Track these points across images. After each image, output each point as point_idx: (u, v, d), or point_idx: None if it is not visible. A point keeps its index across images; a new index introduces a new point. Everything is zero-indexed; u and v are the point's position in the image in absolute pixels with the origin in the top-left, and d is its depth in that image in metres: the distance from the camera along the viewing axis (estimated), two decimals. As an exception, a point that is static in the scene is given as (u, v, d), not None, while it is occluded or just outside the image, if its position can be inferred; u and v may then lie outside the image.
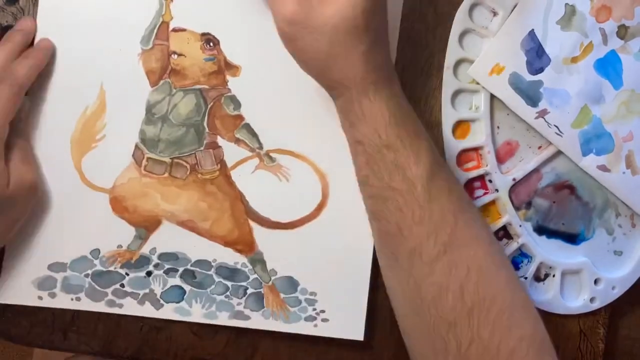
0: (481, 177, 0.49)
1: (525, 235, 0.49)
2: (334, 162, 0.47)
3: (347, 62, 0.39)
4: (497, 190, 0.48)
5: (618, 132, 0.48)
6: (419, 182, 0.39)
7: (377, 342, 0.48)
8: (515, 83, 0.47)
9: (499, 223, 0.49)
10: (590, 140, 0.48)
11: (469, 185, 0.49)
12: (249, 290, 0.47)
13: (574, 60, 0.48)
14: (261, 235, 0.47)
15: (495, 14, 0.48)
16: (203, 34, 0.46)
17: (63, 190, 0.46)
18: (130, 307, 0.47)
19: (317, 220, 0.47)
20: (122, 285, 0.46)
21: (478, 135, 0.48)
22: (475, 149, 0.48)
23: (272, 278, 0.47)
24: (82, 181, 0.46)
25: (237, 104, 0.47)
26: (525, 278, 0.49)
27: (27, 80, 0.43)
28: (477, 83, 0.48)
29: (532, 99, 0.48)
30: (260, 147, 0.47)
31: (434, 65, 0.48)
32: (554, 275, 0.50)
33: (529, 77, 0.47)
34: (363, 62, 0.39)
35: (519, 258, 0.49)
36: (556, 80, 0.48)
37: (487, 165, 0.48)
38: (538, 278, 0.50)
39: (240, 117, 0.47)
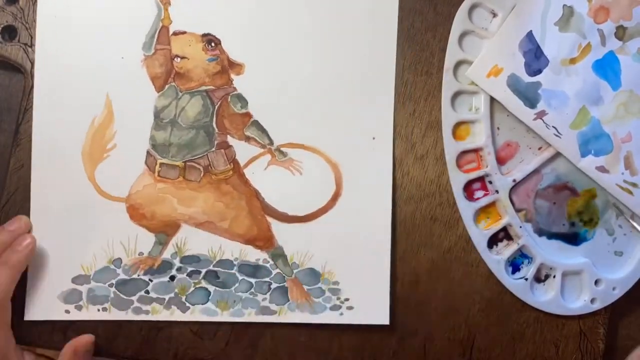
0: (481, 179, 0.49)
1: (525, 236, 0.49)
2: (344, 151, 0.47)
3: None
4: (497, 191, 0.49)
5: (617, 133, 0.48)
6: None
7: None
8: (514, 85, 0.47)
9: (500, 224, 0.49)
10: (588, 141, 0.48)
11: (469, 187, 0.49)
12: (273, 285, 0.47)
13: (573, 61, 0.48)
14: (280, 230, 0.47)
15: (494, 15, 0.48)
16: (204, 35, 0.46)
17: (79, 203, 0.46)
18: (157, 313, 0.47)
19: (333, 210, 0.47)
20: (147, 292, 0.47)
21: (478, 137, 0.49)
22: (475, 150, 0.49)
23: (295, 271, 0.47)
24: (97, 192, 0.46)
25: (244, 102, 0.47)
26: (526, 279, 0.49)
27: (8, 293, 0.42)
28: (476, 84, 0.48)
29: (530, 100, 0.48)
30: (271, 143, 0.47)
31: (434, 65, 0.48)
32: (554, 276, 0.50)
33: (527, 79, 0.47)
34: None
35: (520, 259, 0.50)
36: (554, 81, 0.47)
37: (487, 167, 0.48)
38: (538, 279, 0.50)
39: (248, 115, 0.47)
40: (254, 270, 0.47)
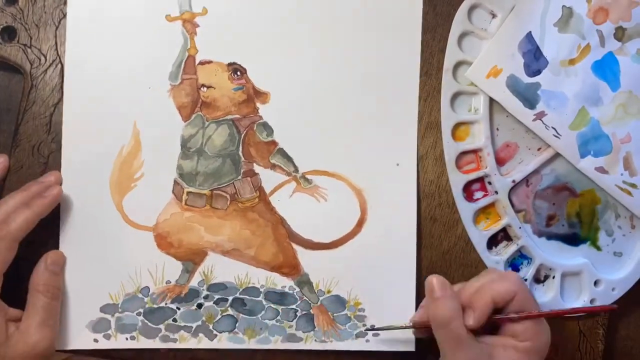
0: (480, 179, 0.49)
1: (525, 237, 0.49)
2: (368, 177, 0.48)
3: None
4: (496, 192, 0.49)
5: (616, 134, 0.48)
6: None
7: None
8: (513, 85, 0.48)
9: (499, 225, 0.49)
10: (588, 142, 0.48)
11: (469, 188, 0.49)
12: (299, 313, 0.48)
13: (572, 62, 0.48)
14: (305, 257, 0.48)
15: (494, 16, 0.48)
16: (230, 64, 0.47)
17: (107, 233, 0.46)
18: (185, 341, 0.47)
19: (358, 237, 0.48)
20: (175, 320, 0.47)
21: (477, 137, 0.49)
22: (475, 151, 0.49)
23: (320, 298, 0.48)
24: (125, 221, 0.46)
25: (270, 130, 0.47)
26: (525, 280, 0.49)
27: (21, 232, 0.43)
28: (476, 85, 0.48)
29: (529, 101, 0.48)
30: (296, 171, 0.47)
31: (433, 66, 0.48)
32: (553, 277, 0.50)
33: (527, 80, 0.48)
34: None
35: (519, 260, 0.50)
36: (554, 82, 0.48)
37: (486, 167, 0.48)
38: (538, 280, 0.50)
39: (274, 143, 0.47)
40: (280, 297, 0.48)
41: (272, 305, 0.48)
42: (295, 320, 0.48)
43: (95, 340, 0.46)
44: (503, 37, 0.47)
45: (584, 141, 0.48)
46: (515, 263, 0.50)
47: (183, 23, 0.46)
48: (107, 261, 0.46)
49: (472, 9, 0.48)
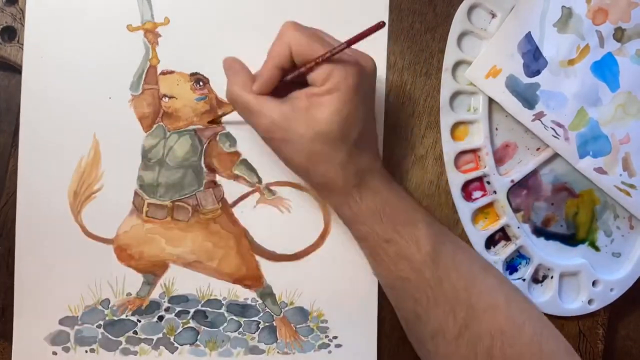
0: (479, 179, 0.49)
1: (523, 237, 0.49)
2: (333, 188, 0.47)
3: (327, 170, 0.39)
4: (495, 192, 0.49)
5: (615, 135, 0.49)
6: (426, 267, 0.40)
7: None
8: (512, 86, 0.48)
9: (498, 225, 0.49)
10: (587, 142, 0.49)
11: (467, 187, 0.49)
12: (262, 325, 0.47)
13: (571, 62, 0.48)
14: (268, 269, 0.47)
15: (493, 15, 0.48)
16: (192, 74, 0.46)
17: (66, 245, 0.46)
18: (146, 353, 0.47)
19: (321, 249, 0.47)
20: (135, 332, 0.47)
21: (476, 137, 0.49)
22: (474, 151, 0.49)
23: (283, 310, 0.48)
24: (84, 234, 0.46)
25: (233, 141, 0.47)
26: (524, 280, 0.49)
27: None
28: (475, 85, 0.48)
29: (528, 101, 0.48)
30: (260, 182, 0.47)
31: (433, 66, 0.48)
32: (552, 277, 0.50)
33: (526, 80, 0.48)
34: (342, 169, 0.39)
35: (517, 260, 0.50)
36: (553, 82, 0.48)
37: (485, 167, 0.49)
38: (536, 280, 0.50)
39: (237, 154, 0.47)
40: (242, 309, 0.47)
41: (234, 318, 0.47)
42: (257, 333, 0.47)
43: (54, 353, 0.46)
44: (502, 37, 0.47)
45: (583, 142, 0.48)
46: (513, 263, 0.50)
47: (145, 33, 0.46)
48: (66, 273, 0.46)
49: (471, 8, 0.48)
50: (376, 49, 0.47)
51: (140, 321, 0.47)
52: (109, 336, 0.46)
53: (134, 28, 0.46)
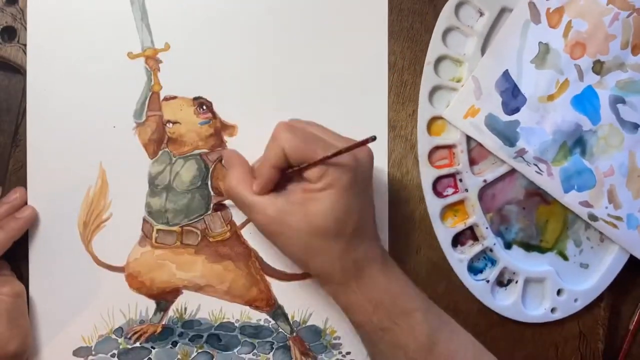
0: (452, 176, 0.49)
1: (491, 238, 0.49)
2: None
3: (324, 262, 0.40)
4: (466, 190, 0.48)
5: (599, 168, 0.48)
6: (421, 356, 0.40)
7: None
8: (492, 124, 0.47)
9: (466, 223, 0.49)
10: (571, 177, 0.48)
11: (439, 183, 0.49)
12: (275, 345, 0.48)
13: (551, 98, 0.48)
14: (279, 289, 0.47)
15: (481, 14, 0.48)
16: (195, 99, 0.46)
17: (78, 275, 0.46)
18: (161, 380, 0.47)
19: (332, 266, 0.48)
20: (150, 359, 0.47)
21: (452, 134, 0.49)
22: (449, 147, 0.49)
23: (296, 329, 0.48)
24: (95, 263, 0.46)
25: (238, 163, 0.47)
26: (487, 281, 0.49)
27: None
28: (458, 81, 0.48)
29: (509, 139, 0.48)
30: (267, 202, 0.47)
31: None
32: (516, 282, 0.50)
33: (505, 118, 0.47)
34: (340, 261, 0.40)
35: (483, 261, 0.50)
36: (533, 119, 0.48)
37: (459, 165, 0.48)
38: (501, 283, 0.50)
39: (243, 176, 0.47)
40: (255, 331, 0.47)
41: (247, 340, 0.47)
42: (271, 353, 0.48)
43: (70, 385, 0.46)
44: (479, 76, 0.47)
45: (567, 176, 0.48)
46: (479, 264, 0.49)
47: (145, 60, 0.46)
48: (78, 303, 0.46)
49: (460, 4, 0.48)
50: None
51: (154, 348, 0.47)
52: (124, 365, 0.47)
53: (135, 55, 0.46)
